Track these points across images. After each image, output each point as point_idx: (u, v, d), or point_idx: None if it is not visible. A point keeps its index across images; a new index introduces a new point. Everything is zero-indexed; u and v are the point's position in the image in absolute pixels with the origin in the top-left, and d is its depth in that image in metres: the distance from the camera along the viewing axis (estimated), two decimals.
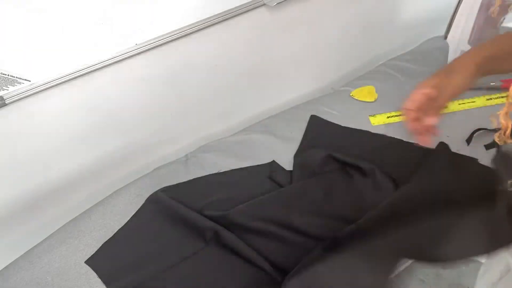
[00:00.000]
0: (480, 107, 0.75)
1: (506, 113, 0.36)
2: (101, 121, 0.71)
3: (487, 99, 0.76)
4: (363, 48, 1.04)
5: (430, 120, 0.55)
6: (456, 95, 0.55)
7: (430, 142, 0.56)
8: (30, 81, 0.59)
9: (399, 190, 0.62)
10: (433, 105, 0.55)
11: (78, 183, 0.76)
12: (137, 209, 0.65)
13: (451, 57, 0.86)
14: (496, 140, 0.46)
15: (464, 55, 0.56)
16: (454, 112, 0.75)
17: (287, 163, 0.72)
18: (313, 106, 0.84)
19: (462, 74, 0.54)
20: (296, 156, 0.74)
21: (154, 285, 0.55)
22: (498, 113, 0.43)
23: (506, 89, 0.77)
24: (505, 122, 0.38)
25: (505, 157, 0.50)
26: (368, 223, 0.56)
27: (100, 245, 0.60)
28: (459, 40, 0.83)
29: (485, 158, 0.65)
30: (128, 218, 0.64)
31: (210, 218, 0.62)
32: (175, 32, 0.69)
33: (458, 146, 0.69)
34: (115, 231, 0.62)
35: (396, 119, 0.76)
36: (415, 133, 0.55)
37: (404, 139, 0.72)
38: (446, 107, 0.55)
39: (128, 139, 0.77)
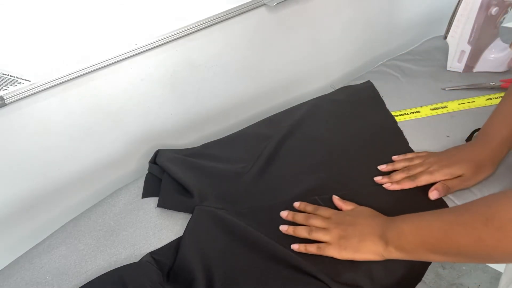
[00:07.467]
0: (480, 107, 0.75)
1: None
2: (101, 121, 0.71)
3: (487, 99, 0.76)
4: (363, 48, 1.04)
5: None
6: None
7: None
8: (30, 81, 0.59)
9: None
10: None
11: (78, 183, 0.76)
12: (137, 210, 0.65)
13: (451, 57, 0.86)
14: None
15: (491, 143, 0.55)
16: (453, 112, 0.75)
17: None
18: None
19: (487, 172, 0.55)
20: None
21: None
22: None
23: (506, 89, 0.78)
24: None
25: None
26: None
27: (100, 245, 0.60)
28: (459, 40, 0.83)
29: None
30: (128, 218, 0.64)
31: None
32: (175, 32, 0.69)
33: None
34: (115, 231, 0.62)
35: (396, 119, 0.76)
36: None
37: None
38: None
39: (129, 139, 0.77)
